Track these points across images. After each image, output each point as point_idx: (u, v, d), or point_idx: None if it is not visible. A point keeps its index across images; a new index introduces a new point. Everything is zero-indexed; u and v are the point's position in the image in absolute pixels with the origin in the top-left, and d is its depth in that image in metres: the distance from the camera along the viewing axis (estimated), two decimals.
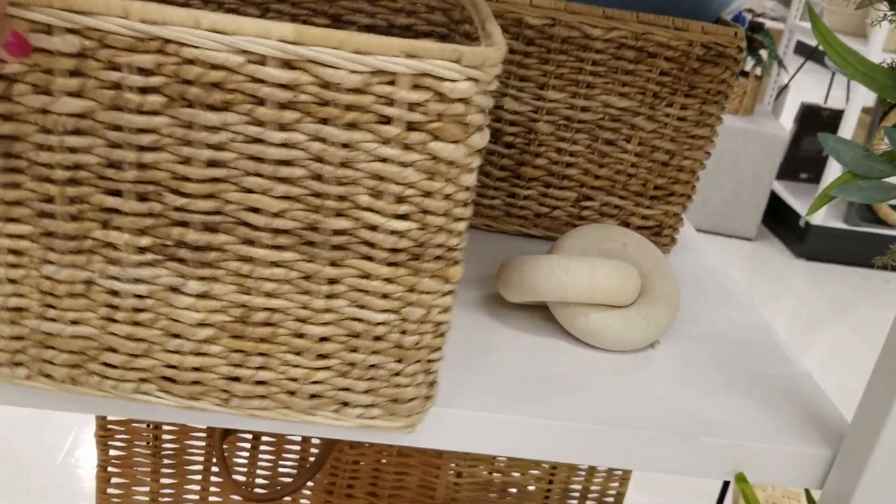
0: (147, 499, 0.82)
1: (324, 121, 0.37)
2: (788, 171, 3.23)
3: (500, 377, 0.52)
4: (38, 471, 1.48)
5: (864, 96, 2.66)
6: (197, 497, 0.82)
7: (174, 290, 0.41)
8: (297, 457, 0.80)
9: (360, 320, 0.41)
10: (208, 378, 0.43)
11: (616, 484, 0.95)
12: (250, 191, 0.38)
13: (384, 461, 0.82)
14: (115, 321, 0.42)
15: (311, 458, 0.81)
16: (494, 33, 0.40)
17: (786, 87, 3.23)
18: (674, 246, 0.74)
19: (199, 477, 0.81)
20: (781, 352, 0.61)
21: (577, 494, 0.95)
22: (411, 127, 0.37)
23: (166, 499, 0.82)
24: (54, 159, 0.38)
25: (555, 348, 0.57)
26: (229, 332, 0.42)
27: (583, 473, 0.93)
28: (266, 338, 0.42)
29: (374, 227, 0.39)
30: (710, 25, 0.64)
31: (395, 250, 0.40)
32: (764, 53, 2.85)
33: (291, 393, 0.43)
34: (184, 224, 0.39)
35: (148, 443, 0.79)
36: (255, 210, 0.39)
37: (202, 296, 0.41)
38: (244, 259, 0.40)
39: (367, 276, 0.40)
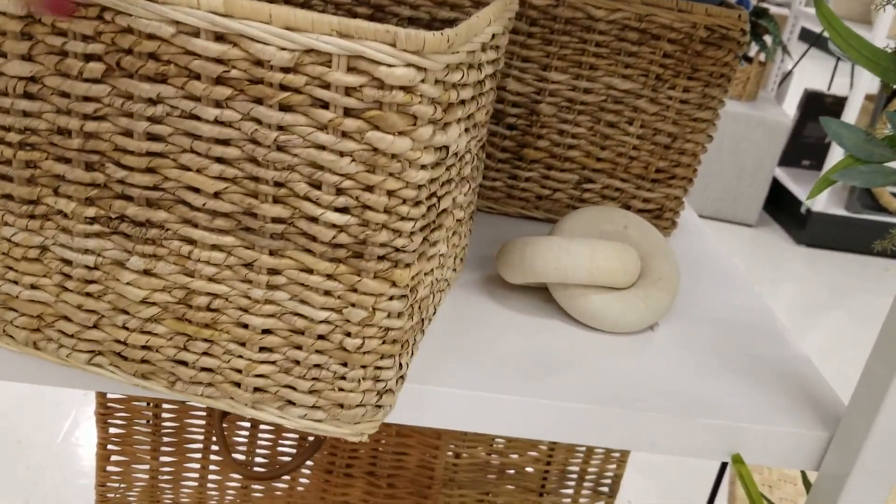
0: (147, 477, 0.82)
1: (258, 100, 0.36)
2: (791, 157, 3.22)
3: (498, 357, 0.52)
4: (38, 449, 1.49)
5: (868, 83, 2.64)
6: (196, 475, 0.82)
7: (119, 264, 0.41)
8: (297, 436, 0.81)
9: (301, 316, 0.40)
10: (155, 358, 0.43)
11: (613, 466, 0.95)
12: (187, 168, 0.38)
13: (383, 441, 0.82)
14: (67, 290, 0.43)
15: (311, 438, 0.81)
16: (470, 22, 0.38)
17: (790, 73, 3.21)
18: (674, 229, 0.74)
19: (198, 455, 0.82)
20: (779, 335, 0.61)
21: (574, 476, 0.96)
22: (348, 113, 0.35)
23: (166, 477, 0.82)
24: (7, 122, 0.39)
25: (554, 329, 0.57)
26: (173, 314, 0.42)
27: (580, 455, 0.94)
28: (209, 323, 0.41)
29: (312, 219, 0.38)
30: (714, 8, 0.63)
31: (335, 245, 0.38)
32: (768, 39, 2.84)
33: (236, 384, 0.43)
34: (127, 197, 0.40)
35: (148, 421, 0.79)
36: (193, 189, 0.39)
37: (146, 273, 0.41)
38: (185, 239, 0.40)
39: (307, 270, 0.39)
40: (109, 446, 0.81)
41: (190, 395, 0.44)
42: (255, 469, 0.80)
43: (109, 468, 0.82)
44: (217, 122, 0.37)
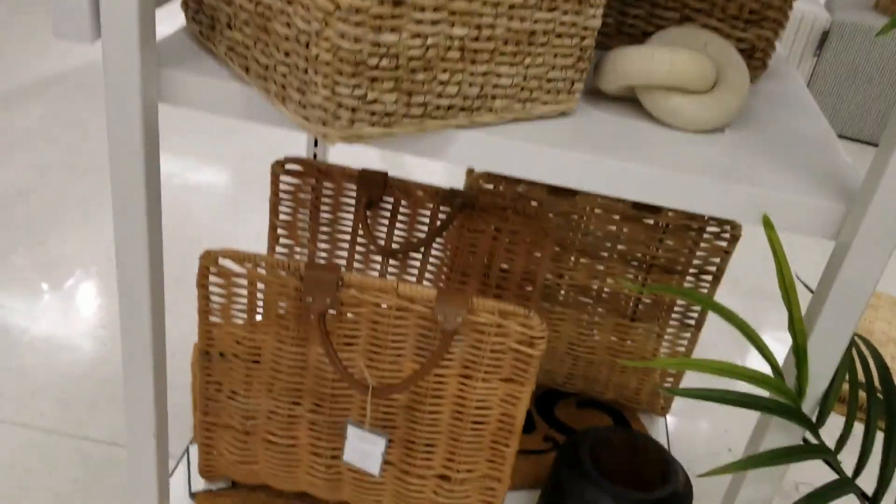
0: (305, 258, 1.03)
1: None
2: None
3: (586, 136, 0.66)
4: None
5: None
6: (345, 253, 1.02)
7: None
8: (426, 225, 0.98)
9: (288, 26, 0.55)
10: (252, 56, 0.63)
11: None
12: None
13: (496, 245, 0.98)
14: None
15: (437, 223, 0.98)
16: None
17: None
18: (765, 71, 0.84)
19: (347, 237, 1.01)
20: (833, 149, 0.71)
21: (664, 307, 1.08)
22: None
23: (322, 254, 1.02)
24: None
25: (638, 125, 0.69)
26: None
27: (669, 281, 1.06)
28: (265, 27, 0.60)
29: None
30: None
31: None
32: None
33: (273, 81, 0.61)
34: None
35: (310, 210, 0.99)
36: None
37: None
38: None
39: None
40: (279, 230, 1.01)
41: (258, 86, 0.62)
42: (392, 247, 0.98)
43: (279, 246, 1.02)
44: None
